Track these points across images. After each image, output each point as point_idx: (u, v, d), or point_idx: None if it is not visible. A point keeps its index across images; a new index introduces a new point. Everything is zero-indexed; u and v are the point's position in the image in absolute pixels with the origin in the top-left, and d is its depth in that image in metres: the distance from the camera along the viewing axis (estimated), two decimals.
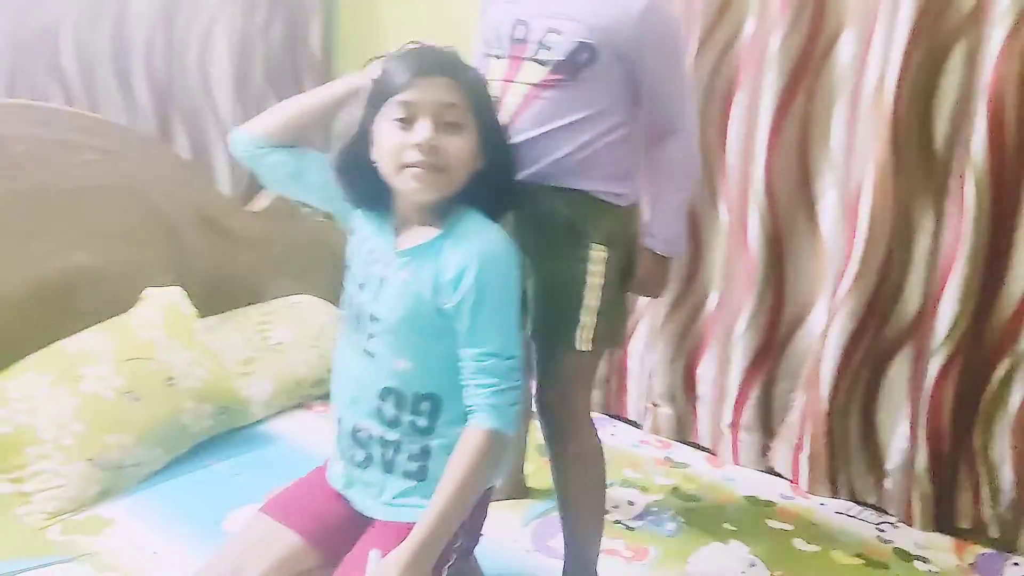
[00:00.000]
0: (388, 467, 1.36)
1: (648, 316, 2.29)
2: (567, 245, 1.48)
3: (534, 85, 1.46)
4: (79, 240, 2.10)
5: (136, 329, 1.98)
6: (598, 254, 1.49)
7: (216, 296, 2.34)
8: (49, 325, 2.02)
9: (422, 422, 1.34)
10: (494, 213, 1.39)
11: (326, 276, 2.70)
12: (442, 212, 1.34)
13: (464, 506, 1.29)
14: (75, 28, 2.28)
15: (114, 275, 2.17)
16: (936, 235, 1.87)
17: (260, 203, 2.53)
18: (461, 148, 1.29)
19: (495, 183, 1.36)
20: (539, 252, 1.48)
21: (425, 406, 1.34)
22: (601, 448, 1.57)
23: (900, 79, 1.78)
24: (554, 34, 1.45)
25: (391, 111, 1.29)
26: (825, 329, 1.97)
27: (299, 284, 2.58)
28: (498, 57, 1.51)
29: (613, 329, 1.56)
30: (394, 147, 1.28)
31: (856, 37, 1.91)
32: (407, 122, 1.28)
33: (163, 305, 2.05)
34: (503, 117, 1.41)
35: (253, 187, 2.77)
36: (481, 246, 1.31)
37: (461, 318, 1.29)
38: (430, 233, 1.33)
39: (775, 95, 1.97)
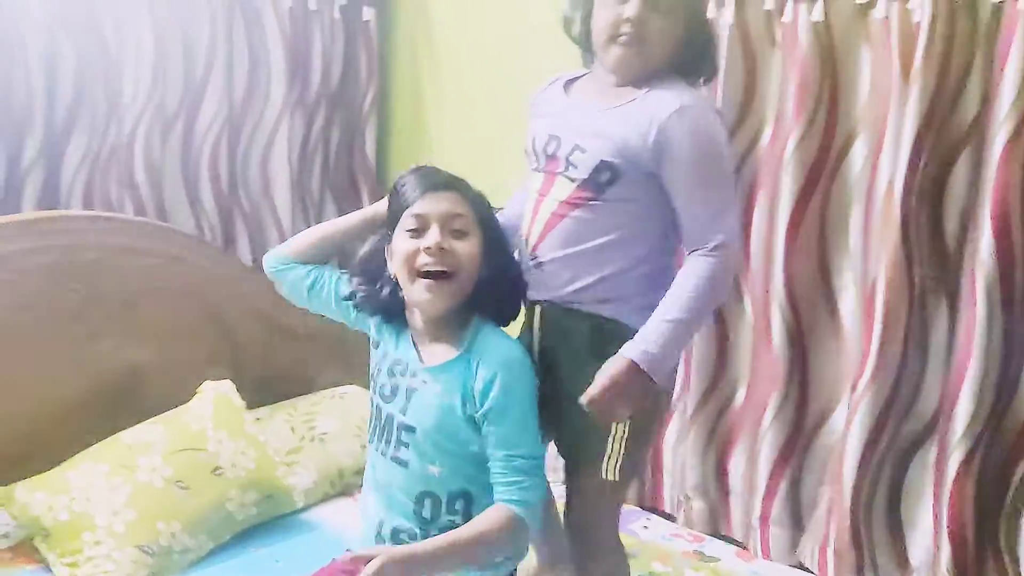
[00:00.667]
0: None
1: (679, 409, 2.34)
2: (594, 368, 1.43)
3: (562, 202, 1.48)
4: (141, 338, 2.27)
5: (188, 421, 2.12)
6: None
7: (269, 387, 2.47)
8: (111, 418, 2.17)
9: (458, 519, 1.48)
10: (501, 320, 1.54)
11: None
12: (458, 325, 1.49)
13: (464, 558, 1.45)
14: (147, 142, 2.49)
15: (173, 371, 2.33)
16: (951, 332, 1.90)
17: None
18: (468, 252, 1.44)
19: (499, 291, 1.50)
20: (567, 371, 1.51)
21: (460, 504, 1.49)
22: (627, 566, 1.63)
23: (907, 182, 1.84)
24: (579, 151, 1.47)
25: (405, 223, 1.47)
26: (846, 425, 1.99)
27: (347, 373, 2.70)
28: (535, 171, 1.55)
29: (641, 457, 1.60)
30: (408, 254, 1.45)
31: (867, 142, 1.98)
32: (419, 231, 1.45)
33: (214, 398, 2.19)
34: (535, 233, 1.51)
35: None
36: (504, 358, 1.46)
37: (490, 424, 1.45)
38: (453, 351, 1.48)
39: (792, 196, 2.04)
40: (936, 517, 1.91)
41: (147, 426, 2.10)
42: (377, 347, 1.61)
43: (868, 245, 2.00)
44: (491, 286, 1.49)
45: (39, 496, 1.92)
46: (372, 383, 1.60)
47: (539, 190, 1.53)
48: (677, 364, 1.60)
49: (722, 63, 2.11)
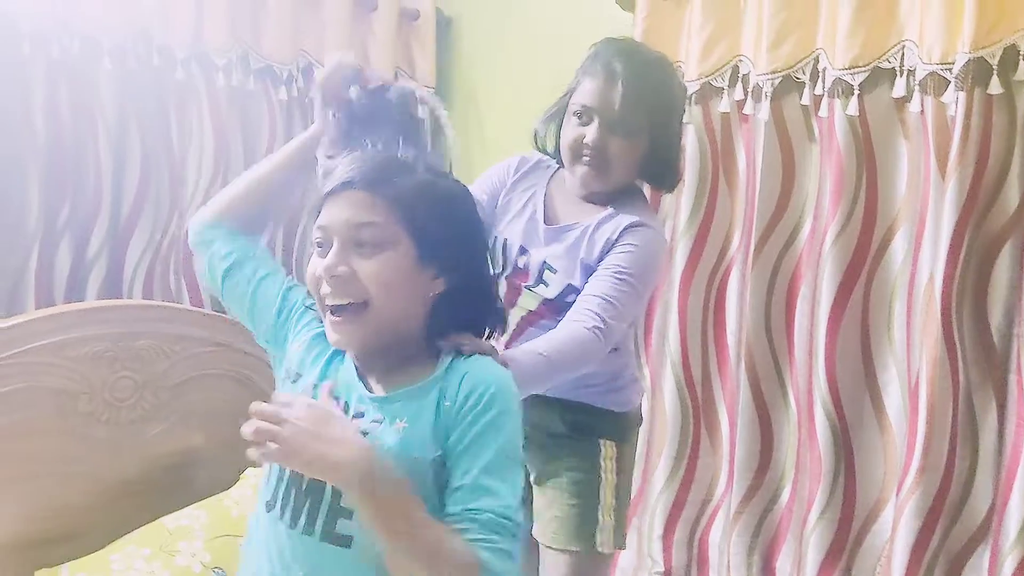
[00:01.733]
0: None
1: (724, 506, 2.29)
2: (573, 445, 1.51)
3: (531, 312, 1.57)
4: (190, 423, 2.32)
5: (229, 507, 2.15)
6: (609, 450, 1.53)
7: None
8: (159, 502, 2.22)
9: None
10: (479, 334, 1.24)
11: None
12: (416, 353, 1.17)
13: (407, 544, 1.06)
14: None
15: (220, 455, 2.36)
16: (1000, 431, 1.83)
17: None
18: (376, 273, 1.09)
19: (463, 310, 1.18)
20: (544, 454, 1.53)
21: None
22: None
23: (947, 276, 1.81)
24: (549, 271, 1.56)
25: (313, 236, 1.16)
26: (893, 526, 1.92)
27: None
28: (501, 275, 1.61)
29: (624, 524, 1.59)
30: (312, 279, 1.15)
31: (907, 235, 1.96)
32: (323, 247, 1.13)
33: (256, 484, 2.21)
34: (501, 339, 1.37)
35: None
36: (495, 377, 1.14)
37: (464, 454, 1.09)
38: (415, 378, 1.14)
39: (833, 290, 2.02)
40: None
41: (191, 511, 2.13)
42: (296, 379, 1.26)
43: (911, 339, 1.96)
44: (449, 306, 1.16)
45: None
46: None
47: (506, 298, 1.59)
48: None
49: (758, 158, 2.14)
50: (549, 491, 1.53)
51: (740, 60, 2.21)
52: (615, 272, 1.49)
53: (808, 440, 2.09)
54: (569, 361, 1.39)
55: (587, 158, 1.54)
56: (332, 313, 1.14)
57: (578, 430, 1.54)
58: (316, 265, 1.14)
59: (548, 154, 1.68)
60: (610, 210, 1.58)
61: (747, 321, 2.17)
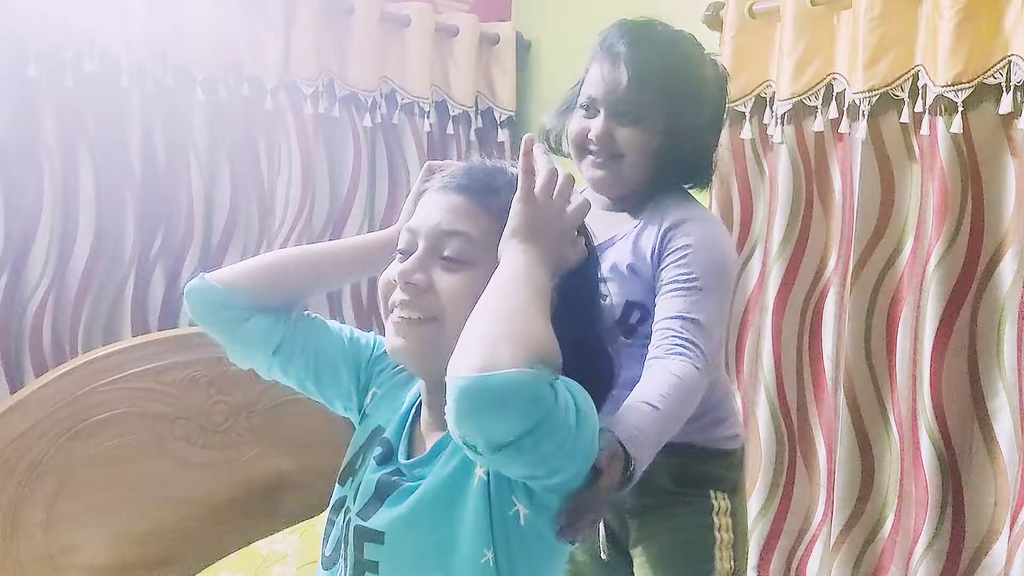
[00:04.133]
0: None
1: (822, 536, 2.22)
2: (678, 501, 1.32)
3: None
4: (281, 448, 2.35)
5: (321, 532, 2.15)
6: (722, 503, 1.34)
7: None
8: (251, 525, 2.25)
9: None
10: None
11: None
12: None
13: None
14: None
15: (311, 480, 2.39)
16: None
17: None
18: (460, 290, 0.98)
19: (578, 353, 0.99)
20: (644, 515, 1.34)
21: None
22: None
23: None
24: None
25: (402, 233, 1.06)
26: (1008, 557, 1.84)
27: None
28: None
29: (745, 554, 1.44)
30: (385, 284, 1.04)
31: (1016, 256, 1.89)
32: (404, 253, 1.03)
33: None
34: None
35: None
36: None
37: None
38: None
39: (938, 313, 1.95)
40: None
41: (283, 536, 2.15)
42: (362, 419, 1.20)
43: (1023, 365, 1.88)
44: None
45: None
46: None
47: None
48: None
49: (855, 178, 2.09)
50: (649, 561, 1.31)
51: (834, 78, 2.16)
52: (682, 284, 1.31)
53: (913, 469, 2.01)
54: (681, 408, 1.20)
55: (593, 154, 1.40)
56: (399, 319, 1.02)
57: (687, 482, 1.32)
58: (392, 269, 1.03)
59: (563, 153, 1.53)
60: (642, 219, 1.42)
61: (846, 345, 2.11)
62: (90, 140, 2.30)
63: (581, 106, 1.45)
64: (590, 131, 1.41)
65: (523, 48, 3.05)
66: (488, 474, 0.99)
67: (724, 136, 2.30)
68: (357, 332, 1.27)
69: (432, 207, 1.03)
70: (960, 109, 1.90)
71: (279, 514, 2.30)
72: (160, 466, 2.17)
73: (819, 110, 2.19)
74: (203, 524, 2.23)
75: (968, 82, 1.90)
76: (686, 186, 1.52)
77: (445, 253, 1.00)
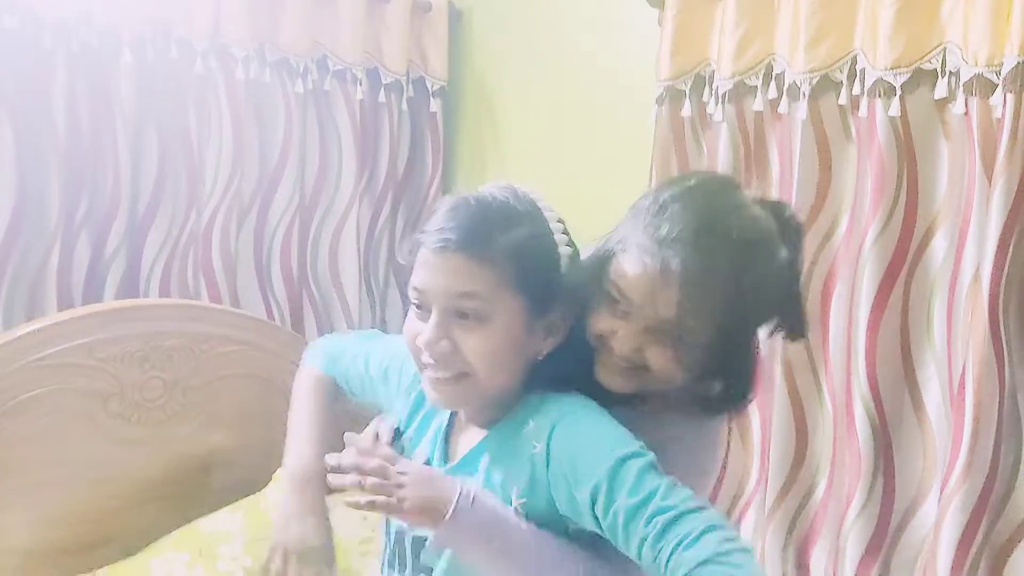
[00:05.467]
0: None
1: (756, 502, 2.31)
2: None
3: None
4: (217, 424, 2.29)
5: (266, 510, 2.12)
6: None
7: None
8: (186, 503, 2.19)
9: None
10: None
11: None
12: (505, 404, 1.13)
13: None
14: (223, 231, 2.55)
15: (247, 456, 2.34)
16: None
17: None
18: (479, 349, 1.04)
19: (561, 367, 1.10)
20: None
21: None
22: None
23: (995, 275, 1.83)
24: None
25: (410, 291, 1.11)
26: (937, 521, 1.95)
27: None
28: None
29: None
30: (411, 338, 1.10)
31: (948, 235, 1.98)
32: (420, 308, 1.08)
33: None
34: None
35: None
36: (559, 411, 1.08)
37: (586, 494, 1.02)
38: (476, 436, 1.15)
39: (873, 289, 2.04)
40: None
41: (225, 514, 2.10)
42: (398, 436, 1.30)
43: (952, 338, 1.99)
44: (549, 365, 1.11)
45: None
46: None
47: None
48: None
49: (793, 157, 2.16)
50: None
51: (774, 59, 2.22)
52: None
53: (847, 436, 2.11)
54: None
55: (618, 361, 1.16)
56: (430, 373, 1.11)
57: None
58: (415, 330, 1.09)
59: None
60: None
61: None
62: (10, 102, 2.17)
63: (611, 298, 1.16)
64: (617, 336, 1.14)
65: (455, 18, 3.01)
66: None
67: (664, 113, 2.38)
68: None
69: (435, 270, 1.06)
70: (898, 93, 1.98)
71: (212, 492, 2.24)
72: (94, 445, 2.09)
73: (759, 90, 2.24)
74: (139, 504, 2.16)
75: (906, 66, 1.97)
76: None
77: (461, 312, 1.04)
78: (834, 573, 2.16)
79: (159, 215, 2.48)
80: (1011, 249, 1.84)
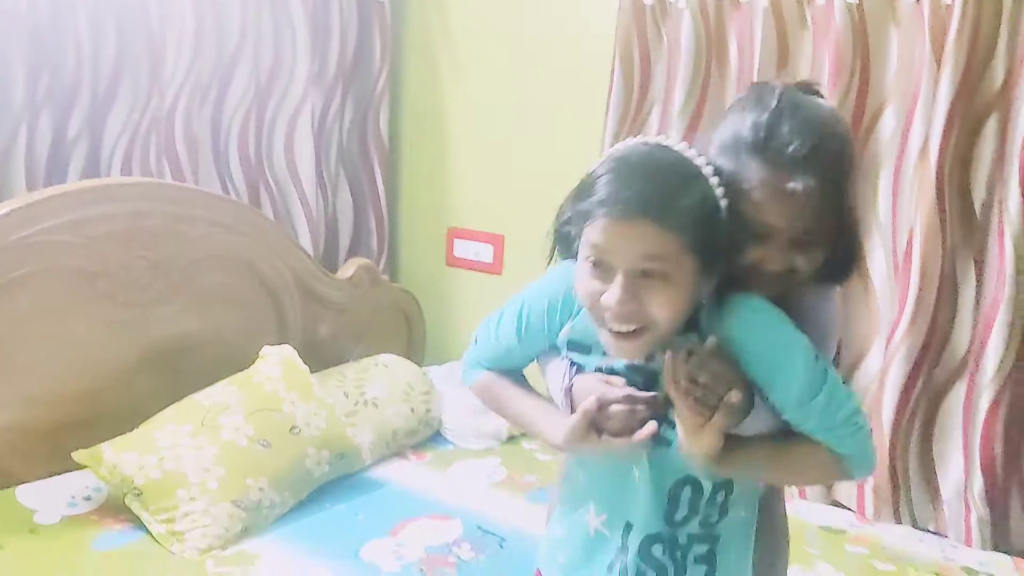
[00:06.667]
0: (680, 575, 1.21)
1: None
2: None
3: None
4: (195, 306, 2.30)
5: (261, 383, 2.17)
6: None
7: (308, 355, 2.52)
8: (168, 381, 2.20)
9: (714, 516, 1.20)
10: None
11: (401, 339, 2.92)
12: None
13: (775, 477, 1.28)
14: (187, 114, 2.51)
15: (224, 338, 2.37)
16: (979, 284, 2.11)
17: (345, 272, 2.74)
18: (664, 304, 1.08)
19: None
20: None
21: (720, 496, 1.20)
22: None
23: (942, 149, 2.04)
24: None
25: (584, 247, 1.11)
26: (883, 371, 2.19)
27: (378, 345, 2.78)
28: None
29: None
30: (589, 294, 1.12)
31: (897, 111, 2.18)
32: (599, 267, 1.10)
33: (281, 361, 2.24)
34: None
35: (331, 255, 3.00)
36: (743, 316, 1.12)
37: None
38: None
39: None
40: (966, 451, 2.12)
41: (221, 388, 2.14)
42: (587, 352, 1.24)
43: (897, 208, 2.20)
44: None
45: (129, 456, 1.94)
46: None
47: None
48: None
49: (754, 44, 2.29)
50: None
51: None
52: None
53: None
54: None
55: (773, 281, 1.20)
56: (611, 330, 1.12)
57: None
58: (594, 288, 1.10)
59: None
60: None
61: None
62: None
63: (753, 232, 1.16)
64: (767, 260, 1.18)
65: None
66: None
67: (626, 2, 2.48)
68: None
69: (619, 236, 1.07)
70: None
71: (194, 372, 2.25)
72: (83, 324, 2.08)
73: None
74: (124, 383, 2.16)
75: None
76: None
77: (646, 272, 1.07)
78: None
79: (119, 97, 2.41)
80: (956, 125, 2.05)
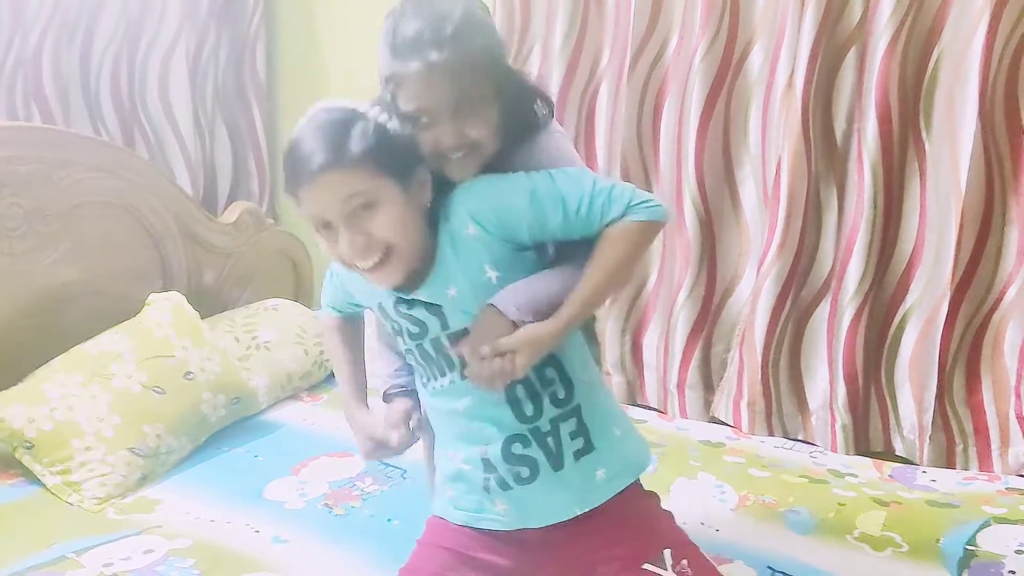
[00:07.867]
0: (558, 459, 1.30)
1: None
2: None
3: None
4: (75, 254, 2.24)
5: (150, 330, 2.14)
6: None
7: (193, 304, 2.48)
8: (49, 331, 2.15)
9: (560, 392, 1.30)
10: None
11: (288, 283, 2.90)
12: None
13: (608, 294, 1.36)
14: (55, 55, 2.41)
15: (107, 286, 2.31)
16: (840, 210, 2.26)
17: (229, 216, 2.70)
18: (388, 222, 1.21)
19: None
20: None
21: (551, 373, 1.29)
22: None
23: (806, 81, 2.17)
24: None
25: (307, 222, 1.24)
26: (754, 294, 2.33)
27: (265, 290, 2.76)
28: None
29: None
30: (336, 256, 1.25)
31: (765, 48, 2.29)
32: (327, 230, 1.22)
33: (170, 308, 2.21)
34: None
35: (210, 199, 2.94)
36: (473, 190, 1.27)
37: (520, 224, 1.26)
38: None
39: (701, 100, 2.32)
40: (831, 364, 2.29)
41: (109, 336, 2.10)
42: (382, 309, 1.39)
43: (766, 140, 2.32)
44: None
45: (17, 409, 1.90)
46: (398, 339, 1.38)
47: None
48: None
49: None
50: None
51: None
52: None
53: (677, 233, 2.43)
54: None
55: (459, 156, 1.35)
56: (365, 268, 1.25)
57: None
58: (331, 249, 1.23)
59: None
60: None
61: (619, 132, 2.44)
62: None
63: (416, 120, 1.30)
64: (441, 139, 1.31)
65: None
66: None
67: None
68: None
69: (318, 190, 1.19)
70: None
71: (77, 321, 2.21)
72: None
73: None
74: (8, 334, 2.10)
75: None
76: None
77: (355, 211, 1.19)
78: (664, 348, 2.52)
79: None
80: (819, 59, 2.17)
